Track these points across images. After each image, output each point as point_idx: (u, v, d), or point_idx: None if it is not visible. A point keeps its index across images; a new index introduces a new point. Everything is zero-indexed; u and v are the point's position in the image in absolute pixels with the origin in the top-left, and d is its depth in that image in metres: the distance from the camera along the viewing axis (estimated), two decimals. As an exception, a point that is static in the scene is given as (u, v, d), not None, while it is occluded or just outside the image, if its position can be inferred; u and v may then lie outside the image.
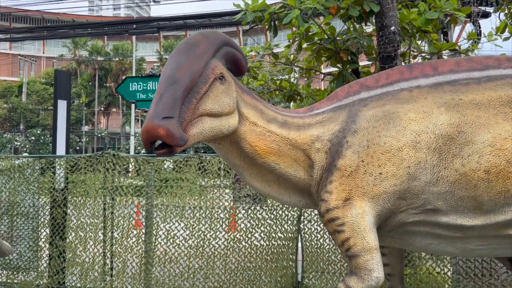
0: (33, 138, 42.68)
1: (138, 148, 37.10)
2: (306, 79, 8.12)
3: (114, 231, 5.69)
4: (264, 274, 5.31)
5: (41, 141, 41.85)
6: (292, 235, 5.30)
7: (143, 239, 5.60)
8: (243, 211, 5.48)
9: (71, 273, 5.82)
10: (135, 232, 5.62)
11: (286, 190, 3.93)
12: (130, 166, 5.91)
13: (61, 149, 6.16)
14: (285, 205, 5.32)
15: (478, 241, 3.44)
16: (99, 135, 48.27)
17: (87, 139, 48.17)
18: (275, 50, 7.63)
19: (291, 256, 5.29)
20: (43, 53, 55.67)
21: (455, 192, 3.27)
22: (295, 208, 5.29)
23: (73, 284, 5.82)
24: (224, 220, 5.42)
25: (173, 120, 2.92)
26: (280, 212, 5.34)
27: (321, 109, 3.91)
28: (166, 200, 5.54)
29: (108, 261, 5.70)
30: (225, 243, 5.39)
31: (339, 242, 3.48)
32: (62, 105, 6.02)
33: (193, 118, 3.16)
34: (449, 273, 4.99)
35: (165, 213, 5.55)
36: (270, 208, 5.39)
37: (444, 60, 3.79)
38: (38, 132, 42.69)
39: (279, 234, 5.32)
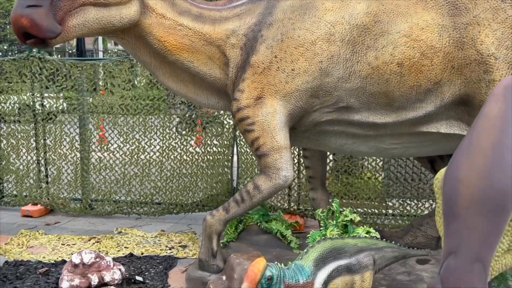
0: (0, 53, 40.83)
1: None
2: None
3: (46, 138, 5.50)
4: (200, 181, 5.28)
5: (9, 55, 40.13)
6: (228, 143, 5.20)
7: (76, 146, 5.44)
8: (177, 119, 5.30)
9: (6, 181, 5.72)
10: (67, 139, 5.45)
11: (203, 91, 3.72)
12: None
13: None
14: (218, 111, 5.15)
15: (391, 139, 3.35)
16: (70, 52, 46.40)
17: (59, 56, 46.35)
18: None
19: (226, 163, 5.23)
20: (5, -39, 51.34)
21: (366, 88, 3.11)
22: (231, 115, 5.13)
23: (9, 192, 5.75)
24: (158, 127, 5.26)
25: (40, 9, 2.60)
26: (216, 120, 5.18)
27: (241, 0, 3.59)
28: (98, 107, 5.30)
29: (42, 168, 5.58)
30: (160, 150, 5.27)
31: (250, 142, 3.36)
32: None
33: (73, 7, 2.82)
34: (380, 178, 5.02)
35: (98, 120, 5.34)
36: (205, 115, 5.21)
37: None
38: (5, 47, 40.77)
39: (215, 142, 5.21)
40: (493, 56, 2.83)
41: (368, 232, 3.15)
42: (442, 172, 1.64)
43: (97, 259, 3.52)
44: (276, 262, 2.36)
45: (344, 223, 3.32)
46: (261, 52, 3.29)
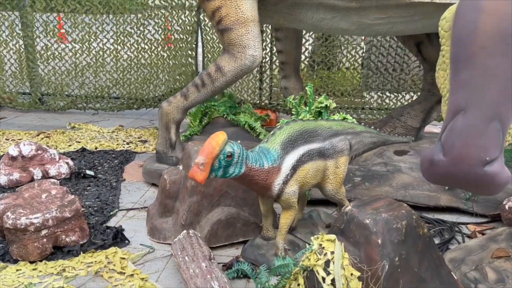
0: None
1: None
2: None
3: (-20, 22, 4.76)
4: (161, 72, 4.76)
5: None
6: (191, 28, 4.59)
7: (17, 32, 4.74)
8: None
9: None
10: (6, 23, 4.73)
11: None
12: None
13: None
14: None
15: (376, 13, 2.86)
16: None
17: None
18: None
19: (190, 52, 4.68)
20: None
21: None
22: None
23: None
24: (111, 10, 4.57)
25: None
26: (176, 0, 4.52)
27: None
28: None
29: (-19, 58, 4.91)
30: (114, 36, 4.65)
31: (209, 13, 2.82)
32: None
33: None
34: (359, 69, 4.62)
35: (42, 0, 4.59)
36: (164, -6, 4.53)
37: None
38: None
39: (176, 27, 4.59)
40: None
41: (344, 119, 2.81)
42: (452, 8, 1.21)
43: (39, 152, 3.11)
44: (239, 141, 1.99)
45: (318, 110, 2.95)
46: None
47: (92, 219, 2.60)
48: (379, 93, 4.53)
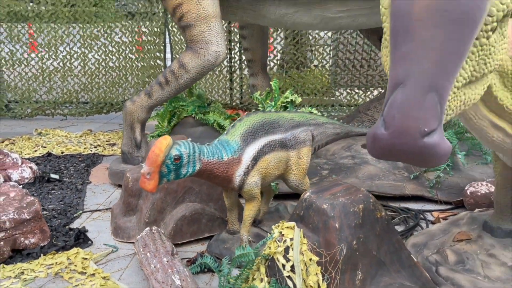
0: None
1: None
2: None
3: None
4: (130, 75, 4.71)
5: None
6: (159, 30, 4.57)
7: (-20, 38, 4.64)
8: None
9: None
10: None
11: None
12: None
13: None
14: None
15: (337, 6, 2.89)
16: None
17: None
18: None
19: (158, 54, 4.65)
20: None
21: None
22: (161, -3, 4.44)
23: None
24: (79, 13, 4.51)
25: None
26: (142, 1, 4.49)
27: None
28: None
29: None
30: (81, 40, 4.58)
31: (171, 10, 2.81)
32: None
33: None
34: (327, 66, 4.65)
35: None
36: (130, -4, 4.50)
37: None
38: None
39: (144, 29, 4.56)
40: None
41: (310, 113, 2.82)
42: (390, -15, 1.22)
43: (0, 156, 3.03)
44: (189, 139, 1.98)
45: (284, 104, 2.96)
46: None
47: (55, 221, 2.53)
48: (348, 90, 4.58)
